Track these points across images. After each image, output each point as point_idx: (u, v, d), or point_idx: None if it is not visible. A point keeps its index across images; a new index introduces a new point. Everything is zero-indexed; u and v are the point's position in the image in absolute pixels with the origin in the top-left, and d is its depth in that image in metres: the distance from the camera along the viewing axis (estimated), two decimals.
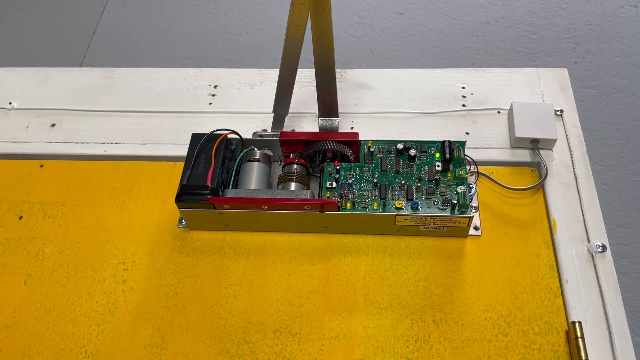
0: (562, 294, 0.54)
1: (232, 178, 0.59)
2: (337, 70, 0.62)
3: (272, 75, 0.73)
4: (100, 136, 0.68)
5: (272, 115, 0.64)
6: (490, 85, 0.70)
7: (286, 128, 0.66)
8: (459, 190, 0.54)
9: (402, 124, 0.67)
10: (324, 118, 0.65)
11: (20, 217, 0.62)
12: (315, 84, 0.61)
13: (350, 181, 0.56)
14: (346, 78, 0.72)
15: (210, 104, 0.71)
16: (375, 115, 0.68)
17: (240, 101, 0.70)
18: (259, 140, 0.61)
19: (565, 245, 0.56)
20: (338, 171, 0.57)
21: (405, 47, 1.53)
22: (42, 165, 0.66)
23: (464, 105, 0.68)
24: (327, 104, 0.63)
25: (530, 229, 0.58)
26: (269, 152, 0.61)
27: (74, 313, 0.56)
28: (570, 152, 0.63)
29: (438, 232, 0.57)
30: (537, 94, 0.68)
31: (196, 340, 0.53)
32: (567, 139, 0.64)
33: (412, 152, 0.57)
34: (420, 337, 0.52)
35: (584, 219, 0.58)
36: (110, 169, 0.65)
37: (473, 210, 0.58)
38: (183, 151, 0.58)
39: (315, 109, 0.66)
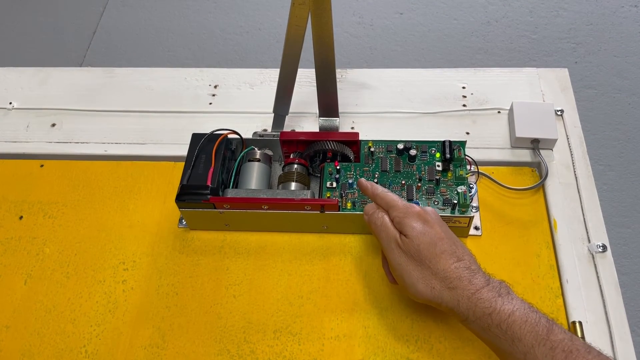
0: (563, 294, 0.54)
1: (233, 178, 0.59)
2: (337, 70, 0.62)
3: (272, 75, 0.73)
4: (100, 136, 0.68)
5: (273, 115, 0.64)
6: (490, 85, 0.70)
7: (286, 128, 0.66)
8: (459, 190, 0.54)
9: (402, 124, 0.67)
10: (324, 118, 0.65)
11: (20, 217, 0.62)
12: (315, 84, 0.61)
13: (350, 181, 0.56)
14: (346, 78, 0.72)
15: (210, 103, 0.71)
16: (376, 115, 0.68)
17: (241, 101, 0.70)
18: (259, 140, 0.61)
19: (565, 245, 0.56)
20: (338, 171, 0.57)
21: (405, 47, 1.53)
22: (42, 165, 0.66)
23: (464, 105, 0.68)
24: (328, 103, 0.63)
25: (531, 229, 0.58)
26: (269, 152, 0.61)
27: (74, 313, 0.55)
28: (571, 152, 0.63)
29: None
30: (538, 94, 0.68)
31: (196, 340, 0.53)
32: (568, 138, 0.64)
33: (413, 152, 0.57)
34: (421, 337, 0.52)
35: (584, 218, 0.58)
36: (111, 169, 0.65)
37: (473, 210, 0.58)
38: (183, 151, 0.58)
39: (315, 109, 0.66)
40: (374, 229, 0.50)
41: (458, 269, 0.45)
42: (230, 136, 0.59)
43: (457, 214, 0.53)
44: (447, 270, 0.45)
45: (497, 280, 0.45)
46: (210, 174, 0.55)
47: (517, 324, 0.41)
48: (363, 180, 0.53)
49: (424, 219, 0.47)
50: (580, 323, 0.51)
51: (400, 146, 0.57)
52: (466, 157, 0.57)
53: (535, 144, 0.62)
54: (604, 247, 0.55)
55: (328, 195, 0.56)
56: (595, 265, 0.55)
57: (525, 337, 0.40)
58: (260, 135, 0.65)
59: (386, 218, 0.49)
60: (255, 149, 0.60)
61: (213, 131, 0.59)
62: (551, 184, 0.60)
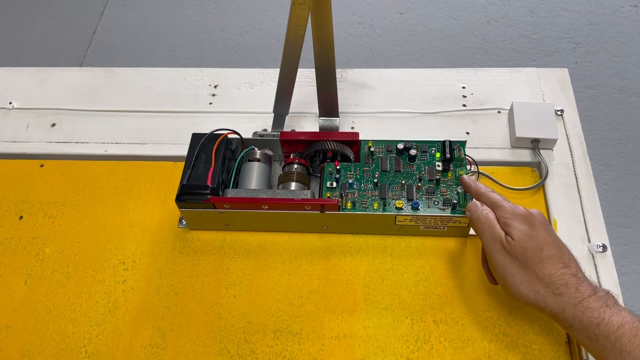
0: None
1: (233, 178, 0.59)
2: (337, 70, 0.62)
3: (272, 75, 0.73)
4: (100, 136, 0.68)
5: (273, 115, 0.64)
6: (490, 85, 0.70)
7: (286, 128, 0.66)
8: (459, 190, 0.54)
9: (402, 124, 0.67)
10: (324, 118, 0.65)
11: (21, 217, 0.62)
12: (315, 84, 0.61)
13: (350, 181, 0.56)
14: (346, 78, 0.72)
15: (210, 103, 0.71)
16: (376, 115, 0.68)
17: (241, 101, 0.70)
18: (259, 140, 0.61)
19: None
20: (338, 171, 0.57)
21: (405, 47, 1.53)
22: (42, 165, 0.66)
23: (464, 105, 0.68)
24: (328, 103, 0.63)
25: None
26: (270, 152, 0.61)
27: (74, 313, 0.55)
28: (571, 152, 0.63)
29: (438, 232, 0.57)
30: (538, 94, 0.68)
31: (196, 340, 0.53)
32: (568, 138, 0.64)
33: (413, 152, 0.57)
34: (421, 337, 0.52)
35: (584, 218, 0.58)
36: (110, 169, 0.65)
37: None
38: (183, 151, 0.58)
39: (315, 109, 0.66)
40: (477, 227, 0.49)
41: (565, 275, 0.44)
42: (230, 136, 0.59)
43: (457, 214, 0.53)
44: (553, 275, 0.44)
45: (604, 289, 0.44)
46: (210, 174, 0.55)
47: (626, 337, 0.41)
48: (465, 177, 0.53)
49: (530, 222, 0.46)
50: None
51: (400, 146, 0.57)
52: (466, 157, 0.57)
53: (535, 144, 0.62)
54: (604, 247, 0.55)
55: (328, 195, 0.56)
56: (595, 265, 0.55)
57: (635, 351, 0.40)
58: (260, 135, 0.65)
59: (492, 216, 0.48)
60: (255, 148, 0.60)
61: (213, 131, 0.59)
62: (551, 184, 0.60)
